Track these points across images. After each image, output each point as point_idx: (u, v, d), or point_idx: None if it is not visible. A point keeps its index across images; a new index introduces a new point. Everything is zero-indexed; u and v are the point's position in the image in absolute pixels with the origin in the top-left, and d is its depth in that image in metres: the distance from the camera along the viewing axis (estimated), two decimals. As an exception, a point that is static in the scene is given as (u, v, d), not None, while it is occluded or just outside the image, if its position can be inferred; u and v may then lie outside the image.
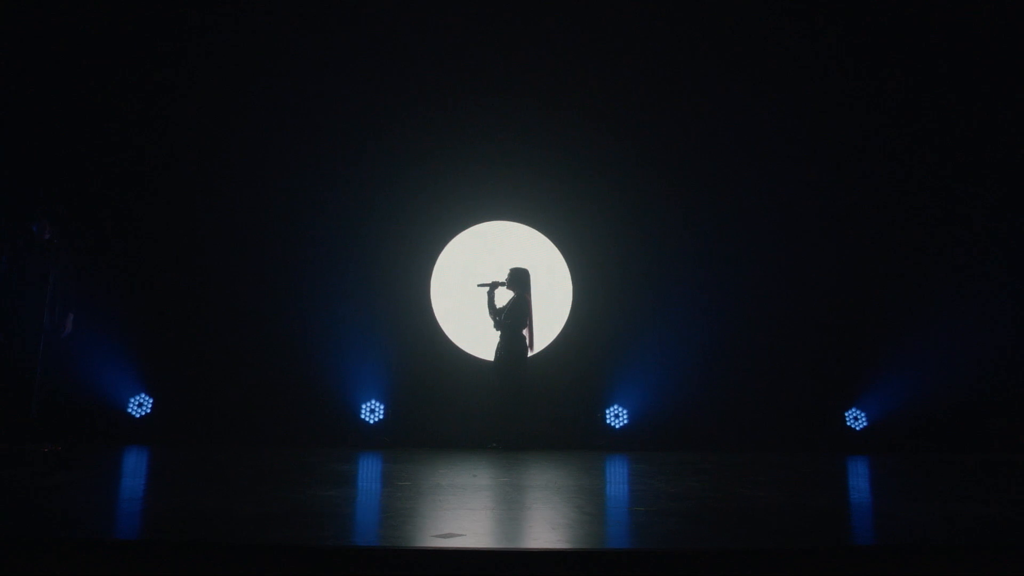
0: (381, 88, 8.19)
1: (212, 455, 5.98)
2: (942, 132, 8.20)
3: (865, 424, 7.87)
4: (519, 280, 7.51)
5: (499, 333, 7.45)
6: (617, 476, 5.06)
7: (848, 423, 7.89)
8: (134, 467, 5.40)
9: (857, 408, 7.92)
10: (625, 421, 7.71)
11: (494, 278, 7.55)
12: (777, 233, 8.16)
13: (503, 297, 7.59)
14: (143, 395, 7.50)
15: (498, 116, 8.23)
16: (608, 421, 7.71)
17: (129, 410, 7.44)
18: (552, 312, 8.06)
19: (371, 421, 7.56)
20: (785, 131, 8.26)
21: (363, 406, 7.59)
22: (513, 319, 7.40)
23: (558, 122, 8.20)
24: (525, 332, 7.45)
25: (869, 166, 8.26)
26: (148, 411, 7.47)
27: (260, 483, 4.28)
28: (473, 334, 7.88)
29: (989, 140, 8.14)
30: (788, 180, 8.23)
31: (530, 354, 7.46)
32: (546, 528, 3.04)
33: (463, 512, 3.31)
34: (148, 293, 7.73)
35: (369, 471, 5.11)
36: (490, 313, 7.47)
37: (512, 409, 7.28)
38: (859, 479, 5.34)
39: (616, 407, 7.74)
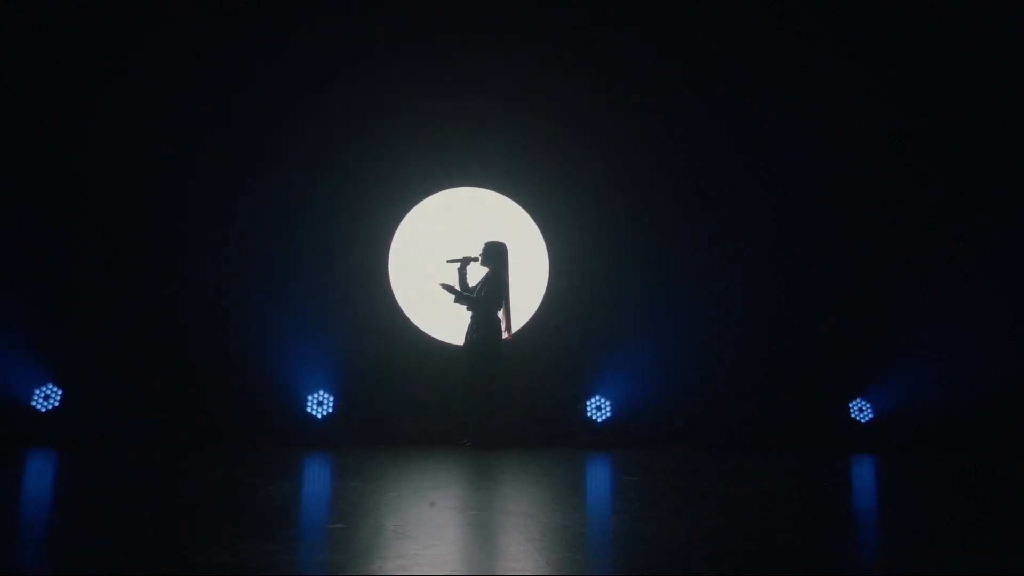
0: (334, 43, 7.13)
1: (119, 465, 4.97)
2: (956, 124, 7.43)
3: (871, 416, 7.13)
4: (495, 255, 6.59)
5: (470, 314, 6.53)
6: (600, 499, 4.17)
7: (852, 415, 7.14)
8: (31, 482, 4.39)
9: (862, 399, 7.16)
10: (608, 414, 6.86)
11: (466, 253, 6.61)
12: (776, 209, 7.37)
13: (475, 275, 6.66)
14: (50, 386, 6.42)
15: (465, 74, 7.26)
16: (589, 414, 6.85)
17: (34, 403, 6.36)
18: (525, 290, 7.14)
19: (319, 416, 6.59)
20: (789, 103, 7.43)
21: (309, 398, 6.62)
22: (487, 299, 6.50)
23: (535, 84, 7.26)
24: (501, 314, 6.54)
25: (885, 145, 7.46)
26: (56, 405, 6.41)
27: (144, 532, 3.31)
28: (439, 315, 6.94)
29: (1003, 134, 7.39)
30: (792, 154, 7.43)
31: (505, 338, 6.56)
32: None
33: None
34: (57, 266, 6.67)
35: (305, 492, 4.14)
36: (461, 290, 6.57)
37: (484, 401, 6.39)
38: (868, 497, 4.54)
39: (598, 398, 6.89)
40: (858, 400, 7.16)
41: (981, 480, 5.04)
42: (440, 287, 6.50)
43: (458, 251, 6.67)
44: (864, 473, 5.85)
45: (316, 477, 4.85)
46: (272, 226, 6.95)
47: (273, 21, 7.09)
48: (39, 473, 4.92)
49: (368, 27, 7.17)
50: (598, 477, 4.89)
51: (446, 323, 6.87)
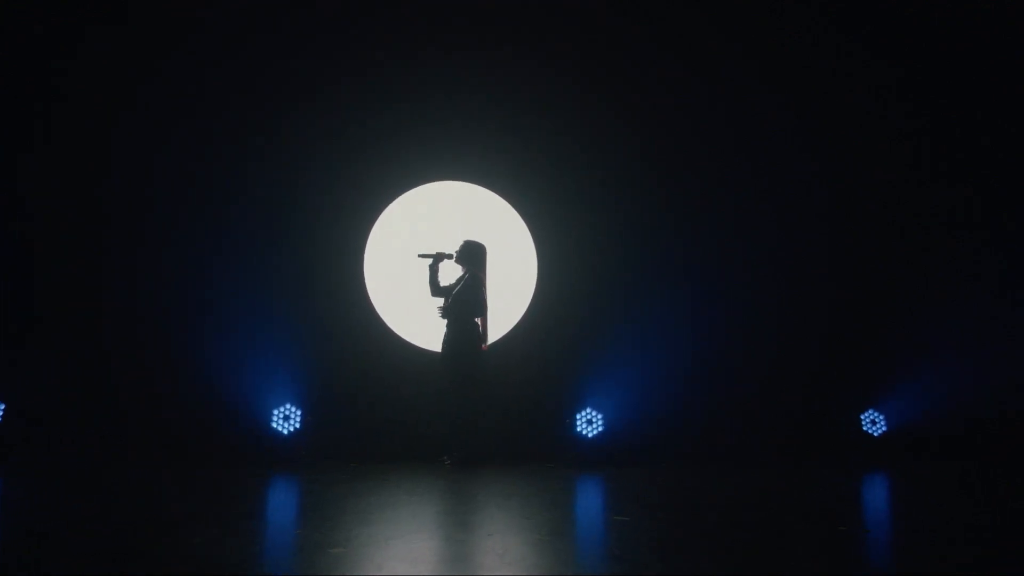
0: (306, 27, 6.58)
1: (59, 492, 4.44)
2: (979, 120, 6.85)
3: (884, 429, 6.60)
4: (472, 255, 6.06)
5: (446, 321, 5.99)
6: (584, 554, 3.62)
7: (864, 427, 6.61)
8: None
9: (875, 410, 6.62)
10: (600, 428, 6.31)
11: (439, 249, 6.06)
12: (781, 208, 6.84)
13: (449, 275, 6.12)
14: (-10, 400, 5.90)
15: (448, 62, 6.70)
16: (579, 428, 6.30)
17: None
18: (511, 294, 6.60)
19: (285, 431, 6.04)
20: (798, 91, 6.89)
21: (275, 412, 6.07)
22: (464, 304, 5.96)
23: (525, 73, 6.71)
24: (479, 320, 6.00)
25: (897, 142, 6.91)
26: (-3, 421, 5.87)
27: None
28: (418, 319, 6.40)
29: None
30: (797, 150, 6.88)
31: (484, 347, 6.03)
32: None
33: None
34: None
35: (233, 543, 3.58)
36: (431, 291, 6.06)
37: (464, 414, 5.87)
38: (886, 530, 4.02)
39: (589, 411, 6.34)
40: (870, 412, 6.63)
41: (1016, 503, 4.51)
42: (418, 257, 6.02)
43: (432, 247, 6.12)
44: (877, 496, 5.34)
45: (277, 507, 4.32)
46: (234, 222, 6.42)
47: (242, 3, 6.51)
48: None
49: (343, 11, 6.60)
50: (584, 514, 4.35)
51: (425, 327, 6.33)
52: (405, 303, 6.50)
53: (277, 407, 6.07)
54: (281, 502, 4.61)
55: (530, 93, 6.71)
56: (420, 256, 6.09)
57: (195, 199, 6.43)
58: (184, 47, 6.43)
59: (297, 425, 6.06)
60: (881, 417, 6.61)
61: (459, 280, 6.09)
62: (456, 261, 6.08)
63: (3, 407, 5.91)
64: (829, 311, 6.80)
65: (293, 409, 6.09)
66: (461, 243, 6.09)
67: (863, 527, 4.02)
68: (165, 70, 6.45)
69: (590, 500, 4.86)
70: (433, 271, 6.08)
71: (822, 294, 6.82)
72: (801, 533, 3.64)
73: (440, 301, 6.05)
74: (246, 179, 6.48)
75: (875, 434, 6.60)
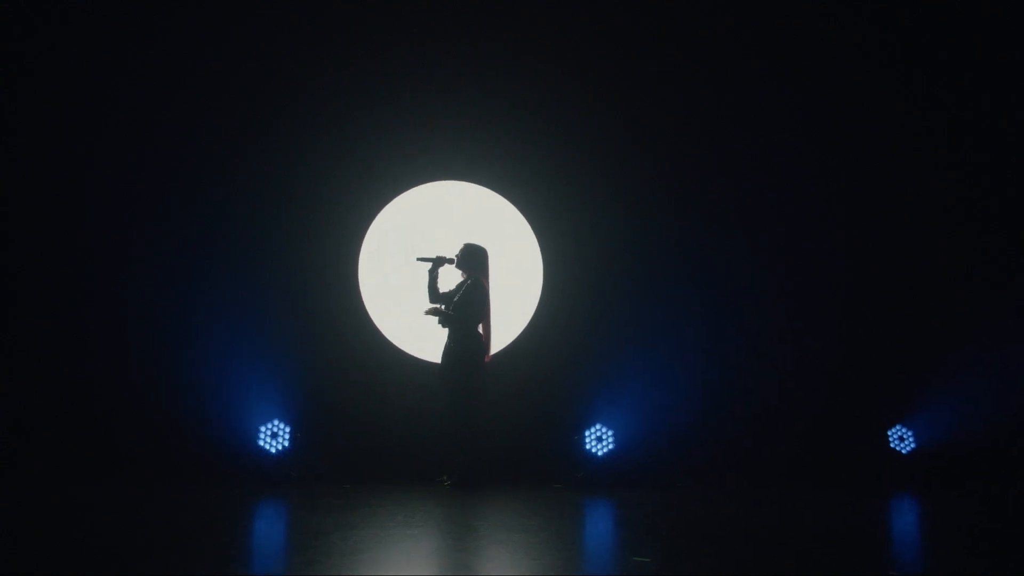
0: (297, 15, 6.17)
1: (15, 518, 4.02)
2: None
3: (913, 446, 6.17)
4: (476, 260, 5.66)
5: (447, 331, 5.59)
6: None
7: (892, 444, 6.19)
8: None
9: (903, 425, 6.20)
10: (611, 446, 5.90)
11: (439, 252, 5.65)
12: (798, 214, 6.47)
13: (449, 281, 5.71)
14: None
15: (448, 54, 6.29)
16: (588, 446, 5.89)
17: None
18: (515, 301, 6.18)
19: (273, 450, 5.63)
20: (821, 86, 6.44)
21: (262, 429, 5.65)
22: (466, 311, 5.56)
23: (529, 68, 6.30)
24: (481, 329, 5.59)
25: (926, 142, 6.53)
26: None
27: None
28: (417, 328, 5.98)
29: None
30: (819, 151, 6.50)
31: (486, 358, 5.63)
32: None
33: None
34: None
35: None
36: (430, 298, 5.67)
37: (465, 430, 5.47)
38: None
39: (598, 427, 5.92)
40: (898, 427, 6.21)
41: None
42: (416, 260, 5.63)
43: (432, 250, 5.71)
44: (907, 522, 4.94)
45: (234, 553, 3.91)
46: (219, 224, 6.04)
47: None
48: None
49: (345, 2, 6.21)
50: (598, 554, 3.93)
51: (424, 337, 5.92)
52: (402, 311, 6.09)
53: (264, 423, 5.65)
54: (262, 537, 4.20)
55: (539, 91, 6.33)
56: (419, 260, 5.69)
57: (179, 202, 6.03)
58: (171, 40, 6.03)
59: (286, 443, 5.64)
60: (910, 433, 6.19)
61: (459, 286, 5.69)
62: (457, 266, 5.68)
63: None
64: (853, 318, 6.44)
65: (282, 426, 5.67)
66: (461, 246, 5.69)
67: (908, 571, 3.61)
68: (148, 64, 6.05)
69: (603, 533, 4.45)
70: (432, 276, 5.69)
71: (845, 299, 6.46)
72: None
73: (439, 308, 5.64)
74: (232, 179, 6.07)
75: (903, 451, 6.18)
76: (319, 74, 6.19)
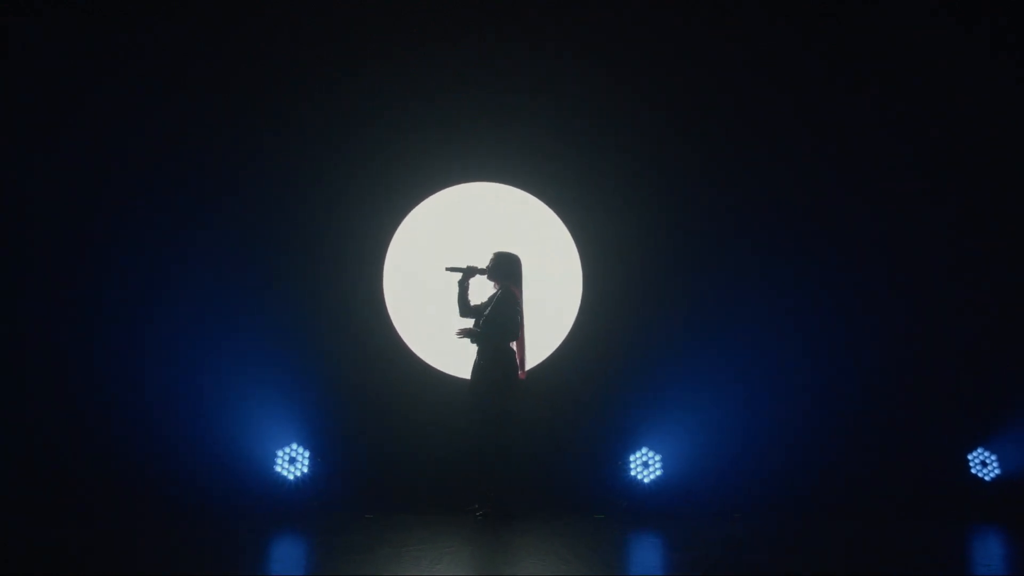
0: (318, 11, 5.81)
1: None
2: None
3: (998, 472, 5.57)
4: (509, 270, 5.20)
5: (476, 346, 5.12)
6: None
7: (973, 470, 5.59)
8: None
9: (986, 449, 5.61)
10: (658, 472, 5.40)
11: (469, 262, 5.20)
12: (889, 217, 5.93)
13: (481, 292, 5.26)
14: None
15: (487, 53, 5.92)
16: (633, 472, 5.39)
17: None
18: (551, 313, 5.74)
19: (291, 476, 5.21)
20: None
21: (279, 453, 5.24)
22: (498, 325, 5.10)
23: (573, 64, 5.91)
24: (514, 345, 5.12)
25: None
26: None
27: None
28: (447, 342, 5.48)
29: None
30: (908, 139, 5.95)
31: (521, 375, 5.17)
32: None
33: None
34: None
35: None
36: (460, 311, 5.22)
37: (498, 454, 5.00)
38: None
39: (645, 451, 5.44)
40: (980, 451, 5.63)
41: None
42: (445, 270, 5.19)
43: (462, 259, 5.25)
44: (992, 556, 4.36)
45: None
46: (232, 228, 5.67)
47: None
48: None
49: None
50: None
51: (454, 351, 5.45)
52: (431, 324, 5.64)
53: (281, 447, 5.24)
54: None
55: (578, 87, 5.92)
56: (448, 269, 5.23)
57: (188, 204, 5.67)
58: (191, 40, 5.69)
59: (305, 469, 5.23)
60: (993, 458, 5.61)
61: (491, 299, 5.22)
62: (488, 277, 5.21)
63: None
64: (928, 329, 5.86)
65: (300, 450, 5.26)
66: (491, 256, 5.22)
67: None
68: (164, 61, 5.72)
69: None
70: (463, 287, 5.23)
71: (920, 309, 5.88)
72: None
73: (470, 323, 5.18)
74: (249, 192, 5.72)
75: (986, 478, 5.58)
76: (336, 80, 5.82)
